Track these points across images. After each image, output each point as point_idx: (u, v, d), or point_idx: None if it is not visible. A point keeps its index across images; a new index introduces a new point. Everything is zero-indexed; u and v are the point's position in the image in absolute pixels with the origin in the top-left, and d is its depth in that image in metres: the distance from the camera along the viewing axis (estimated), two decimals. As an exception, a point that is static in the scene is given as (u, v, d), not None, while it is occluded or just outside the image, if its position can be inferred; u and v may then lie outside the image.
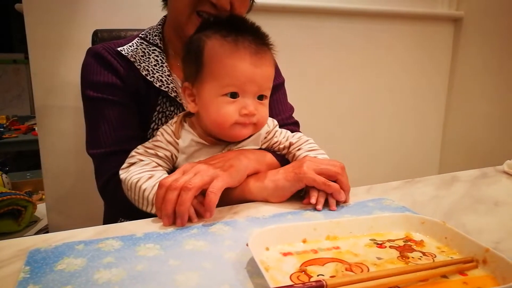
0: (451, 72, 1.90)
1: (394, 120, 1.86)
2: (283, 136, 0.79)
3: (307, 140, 0.78)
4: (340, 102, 1.74)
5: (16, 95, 3.15)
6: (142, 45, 0.85)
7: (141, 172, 0.69)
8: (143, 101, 0.82)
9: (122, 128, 0.80)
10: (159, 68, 0.83)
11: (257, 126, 0.72)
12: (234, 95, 0.68)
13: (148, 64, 0.83)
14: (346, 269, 0.46)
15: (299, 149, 0.77)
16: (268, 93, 0.72)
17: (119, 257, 0.49)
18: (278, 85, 0.94)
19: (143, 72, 0.81)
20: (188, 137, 0.73)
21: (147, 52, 0.85)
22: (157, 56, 0.84)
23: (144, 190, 0.67)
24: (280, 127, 0.82)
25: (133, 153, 0.73)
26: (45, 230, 1.68)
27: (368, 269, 0.46)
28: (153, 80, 0.81)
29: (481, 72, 1.77)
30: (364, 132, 1.82)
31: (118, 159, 0.74)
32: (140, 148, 0.73)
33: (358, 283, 0.41)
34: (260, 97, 0.70)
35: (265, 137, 0.77)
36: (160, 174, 0.69)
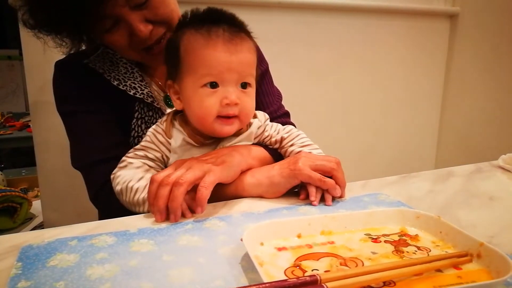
0: (447, 68, 1.90)
1: (390, 115, 1.86)
2: (274, 130, 0.78)
3: (299, 135, 0.77)
4: (335, 97, 1.74)
5: (10, 91, 3.13)
6: (108, 54, 0.83)
7: (132, 175, 0.68)
8: (119, 111, 0.80)
9: (104, 136, 0.79)
10: (129, 75, 0.81)
11: (241, 120, 0.70)
12: (213, 85, 0.66)
13: (118, 73, 0.81)
14: (341, 264, 0.46)
15: (292, 145, 0.75)
16: (251, 81, 0.70)
17: (113, 252, 0.48)
18: (262, 73, 0.91)
19: (114, 82, 0.80)
20: (179, 136, 0.72)
21: (115, 61, 0.83)
22: (126, 64, 0.83)
23: (136, 190, 0.66)
24: (270, 120, 0.81)
25: (123, 157, 0.71)
26: (40, 227, 1.68)
27: (363, 264, 0.46)
28: (126, 88, 0.80)
29: (477, 68, 1.77)
30: (360, 128, 1.82)
31: (106, 168, 0.73)
32: (130, 152, 0.72)
33: (352, 278, 0.41)
34: (244, 86, 0.69)
35: (256, 132, 0.77)
36: (150, 175, 0.68)
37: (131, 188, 0.66)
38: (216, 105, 0.66)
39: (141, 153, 0.71)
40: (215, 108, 0.67)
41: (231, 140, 0.74)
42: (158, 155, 0.71)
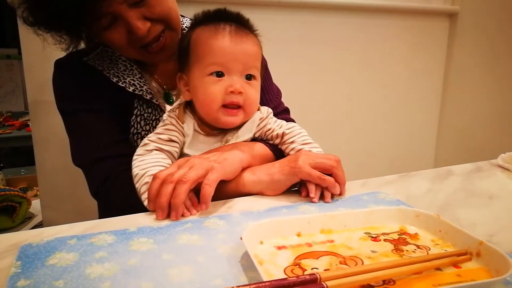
0: (446, 67, 1.90)
1: (390, 114, 1.86)
2: (276, 124, 0.79)
3: (300, 133, 0.78)
4: (335, 96, 1.74)
5: (10, 90, 3.13)
6: (107, 53, 0.83)
7: (155, 166, 0.68)
8: (119, 107, 0.81)
9: (105, 134, 0.79)
10: (129, 72, 0.82)
11: (246, 110, 0.72)
12: (219, 75, 0.69)
13: (117, 70, 0.81)
14: (341, 262, 0.46)
15: (292, 142, 0.76)
16: (256, 73, 0.73)
17: (112, 251, 0.48)
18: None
19: (113, 79, 0.80)
20: (191, 121, 0.74)
21: (114, 58, 0.83)
22: (125, 61, 0.83)
23: (146, 183, 0.66)
24: None
25: (146, 140, 0.72)
26: (39, 226, 1.67)
27: (363, 262, 0.46)
28: (125, 85, 0.80)
29: (476, 67, 1.77)
30: (359, 127, 1.81)
31: (107, 165, 0.75)
32: (152, 136, 0.72)
33: (352, 276, 0.41)
34: (249, 77, 0.71)
35: (258, 124, 0.77)
36: None
37: (144, 178, 0.67)
38: (221, 92, 0.69)
39: (164, 137, 0.72)
40: (220, 96, 0.69)
41: (235, 131, 0.75)
42: (180, 136, 0.73)
